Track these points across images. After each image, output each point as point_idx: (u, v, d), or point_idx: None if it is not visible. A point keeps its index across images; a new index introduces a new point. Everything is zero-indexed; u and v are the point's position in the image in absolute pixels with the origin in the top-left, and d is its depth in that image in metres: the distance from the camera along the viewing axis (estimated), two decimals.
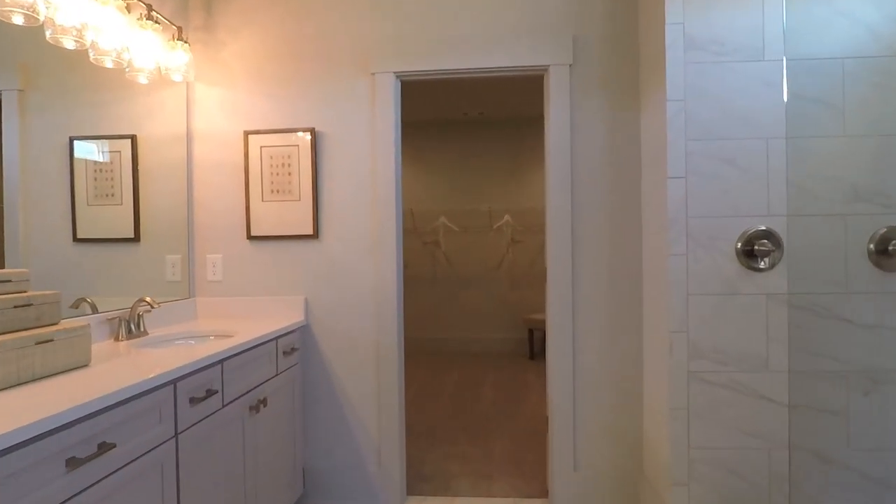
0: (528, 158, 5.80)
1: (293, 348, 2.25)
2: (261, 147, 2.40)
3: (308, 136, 2.37)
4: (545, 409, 3.06)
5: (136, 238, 2.07)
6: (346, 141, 2.38)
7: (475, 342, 5.84)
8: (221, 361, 1.67)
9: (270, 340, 2.03)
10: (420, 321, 5.91)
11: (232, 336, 1.98)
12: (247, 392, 1.83)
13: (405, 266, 5.92)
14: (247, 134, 2.40)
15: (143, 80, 2.06)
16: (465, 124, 5.87)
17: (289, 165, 2.39)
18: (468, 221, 5.86)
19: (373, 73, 2.35)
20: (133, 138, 2.05)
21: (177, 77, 2.17)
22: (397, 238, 2.38)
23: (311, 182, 2.37)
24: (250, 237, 2.42)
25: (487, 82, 4.47)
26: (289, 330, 2.20)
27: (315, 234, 2.39)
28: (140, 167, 2.08)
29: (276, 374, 2.08)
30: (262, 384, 1.95)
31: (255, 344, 1.87)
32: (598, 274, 2.28)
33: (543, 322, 5.17)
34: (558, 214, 2.28)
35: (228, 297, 2.43)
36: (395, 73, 2.34)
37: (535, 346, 5.67)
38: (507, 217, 5.65)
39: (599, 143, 2.27)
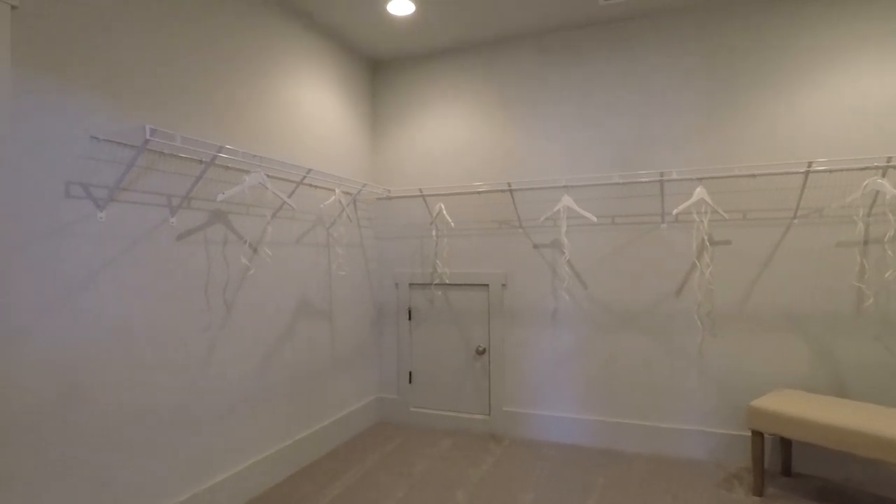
0: (743, 70, 2.83)
1: None
2: None
3: None
4: None
5: None
6: None
7: (630, 434, 3.03)
8: None
9: None
10: (523, 389, 3.28)
11: None
12: None
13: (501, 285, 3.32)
14: None
15: None
16: (607, 22, 3.10)
17: None
18: (616, 205, 3.08)
19: None
20: None
21: None
22: None
23: None
24: None
25: None
26: None
27: None
28: None
29: None
30: None
31: None
32: None
33: (793, 422, 2.17)
34: None
35: None
36: None
37: (765, 464, 2.72)
38: (699, 192, 2.75)
39: None
